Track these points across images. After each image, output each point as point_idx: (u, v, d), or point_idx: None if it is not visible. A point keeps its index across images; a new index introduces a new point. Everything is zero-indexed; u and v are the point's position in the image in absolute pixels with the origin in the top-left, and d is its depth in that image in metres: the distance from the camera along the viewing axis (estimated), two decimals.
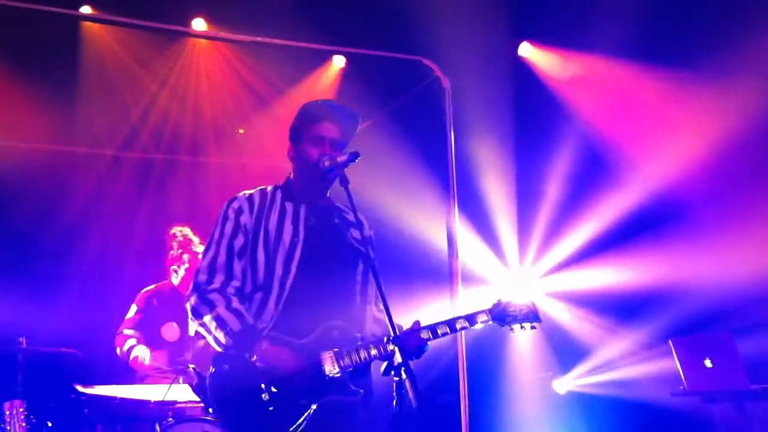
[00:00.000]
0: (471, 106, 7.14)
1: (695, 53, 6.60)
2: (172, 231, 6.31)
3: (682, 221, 6.88)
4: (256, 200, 3.67)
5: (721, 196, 6.71)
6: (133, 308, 6.22)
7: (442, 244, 6.65)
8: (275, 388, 3.32)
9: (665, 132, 7.03)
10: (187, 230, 6.28)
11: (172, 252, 6.28)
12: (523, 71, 7.59)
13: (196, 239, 6.23)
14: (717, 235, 6.56)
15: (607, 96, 7.23)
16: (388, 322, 3.18)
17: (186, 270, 6.20)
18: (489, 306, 3.70)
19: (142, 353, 5.94)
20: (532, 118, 7.56)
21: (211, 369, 3.44)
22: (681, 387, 5.84)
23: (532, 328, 3.75)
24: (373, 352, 3.42)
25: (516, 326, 3.71)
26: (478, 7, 6.72)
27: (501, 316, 3.68)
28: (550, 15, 7.10)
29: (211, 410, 3.39)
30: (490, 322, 3.67)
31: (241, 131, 8.20)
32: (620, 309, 7.17)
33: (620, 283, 7.12)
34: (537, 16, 7.19)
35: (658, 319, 6.82)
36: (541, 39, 7.51)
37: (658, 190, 6.99)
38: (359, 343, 3.46)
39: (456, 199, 6.27)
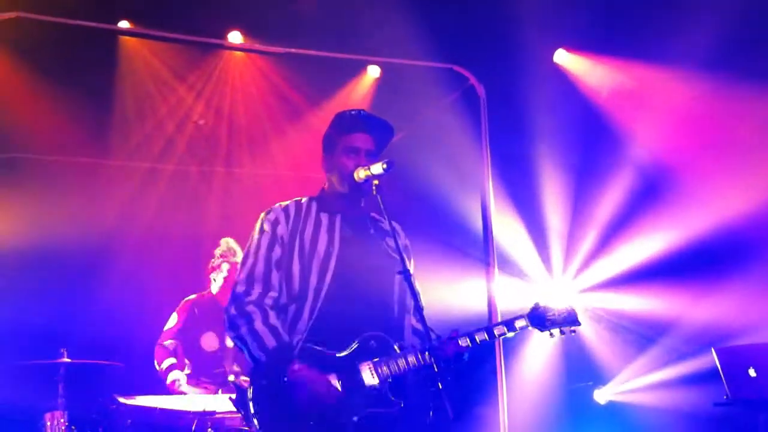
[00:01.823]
0: (508, 113, 7.10)
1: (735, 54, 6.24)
2: (222, 240, 6.39)
3: (742, 259, 6.48)
4: (292, 211, 3.67)
5: None
6: (174, 317, 6.27)
7: (476, 259, 6.62)
8: (314, 403, 3.30)
9: (729, 155, 6.58)
10: (231, 241, 6.35)
11: (213, 260, 6.36)
12: (560, 78, 7.49)
13: (238, 250, 6.29)
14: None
15: (656, 108, 7.03)
16: (424, 331, 3.16)
17: (224, 279, 6.25)
18: (527, 311, 3.65)
19: (179, 379, 6.00)
20: (576, 129, 7.41)
21: (251, 383, 3.42)
22: (725, 396, 5.73)
23: (572, 332, 3.69)
24: (412, 360, 3.39)
25: (555, 331, 3.66)
26: (513, 13, 6.66)
27: (540, 320, 3.63)
28: (587, 21, 6.98)
29: (255, 422, 3.37)
30: (529, 327, 3.62)
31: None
32: (659, 329, 7.02)
33: (661, 313, 6.97)
34: (573, 22, 7.08)
35: (695, 338, 6.64)
36: (577, 45, 7.40)
37: (717, 222, 6.59)
38: (398, 353, 3.44)
39: (492, 207, 6.25)
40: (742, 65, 6.31)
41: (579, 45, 7.36)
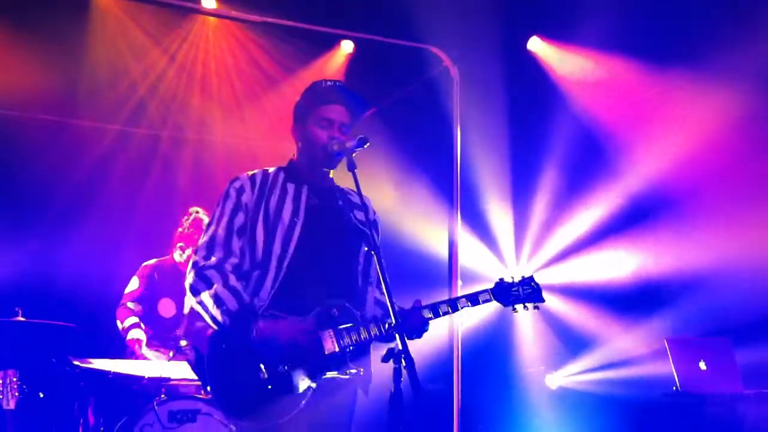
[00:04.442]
0: (476, 97, 7.13)
1: (700, 51, 6.42)
2: (190, 210, 6.33)
3: (679, 212, 6.77)
4: (258, 180, 3.65)
5: (714, 186, 6.56)
6: (135, 281, 6.22)
7: (441, 238, 6.65)
8: (274, 366, 3.31)
9: (667, 129, 6.90)
10: (202, 212, 6.28)
11: (181, 229, 6.28)
12: (531, 66, 7.53)
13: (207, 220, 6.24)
14: (717, 227, 6.44)
15: (614, 94, 7.16)
16: (389, 303, 3.15)
17: (190, 253, 6.20)
18: (491, 286, 3.68)
19: (139, 337, 5.97)
20: (536, 113, 7.50)
21: (209, 348, 3.41)
22: (674, 388, 5.84)
23: (535, 308, 3.72)
24: (374, 331, 3.41)
25: (519, 306, 3.70)
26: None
27: (504, 295, 3.67)
28: (558, 9, 7.04)
29: (209, 389, 3.37)
30: (493, 302, 3.66)
31: None
32: (617, 301, 7.13)
33: (618, 273, 7.11)
34: (546, 10, 7.14)
35: (654, 316, 6.78)
36: (550, 34, 7.46)
37: (653, 181, 6.89)
38: (360, 322, 3.45)
39: (459, 191, 6.28)
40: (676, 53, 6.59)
41: (552, 34, 7.40)
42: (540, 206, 7.67)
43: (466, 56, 6.78)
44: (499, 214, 7.74)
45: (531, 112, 7.56)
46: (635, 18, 6.53)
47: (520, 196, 7.75)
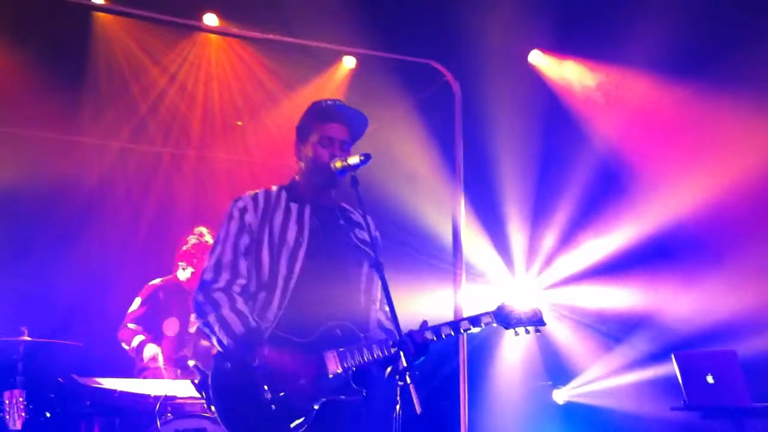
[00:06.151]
0: (481, 111, 7.12)
1: (726, 70, 6.17)
2: (195, 229, 6.31)
3: (694, 250, 6.59)
4: (261, 200, 3.66)
5: (740, 229, 6.32)
6: (137, 301, 6.20)
7: (450, 247, 6.65)
8: (277, 388, 3.31)
9: (685, 153, 6.65)
10: (206, 232, 6.24)
11: (185, 247, 6.26)
12: (534, 79, 7.53)
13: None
14: (727, 267, 6.29)
15: (625, 109, 7.08)
16: (392, 323, 3.15)
17: (192, 273, 6.18)
18: (493, 308, 3.67)
19: (154, 351, 5.91)
20: (547, 129, 7.45)
21: (214, 367, 3.41)
22: (681, 401, 5.81)
23: (537, 331, 3.72)
24: (377, 352, 3.40)
25: (521, 329, 3.68)
26: (491, 13, 6.68)
27: (505, 318, 3.66)
28: (561, 23, 7.02)
29: (213, 408, 3.37)
30: (494, 324, 3.64)
31: (239, 123, 8.18)
32: (621, 328, 7.11)
33: (623, 305, 7.04)
34: (549, 23, 7.12)
35: (658, 338, 6.74)
36: (552, 47, 7.45)
37: (672, 216, 6.68)
38: (363, 343, 3.45)
39: (463, 204, 6.28)
40: (707, 69, 6.36)
41: (554, 47, 7.40)
42: (553, 223, 7.58)
43: (468, 71, 6.79)
44: (512, 226, 7.70)
45: (538, 127, 7.49)
46: (651, 27, 6.26)
47: (537, 209, 7.69)
